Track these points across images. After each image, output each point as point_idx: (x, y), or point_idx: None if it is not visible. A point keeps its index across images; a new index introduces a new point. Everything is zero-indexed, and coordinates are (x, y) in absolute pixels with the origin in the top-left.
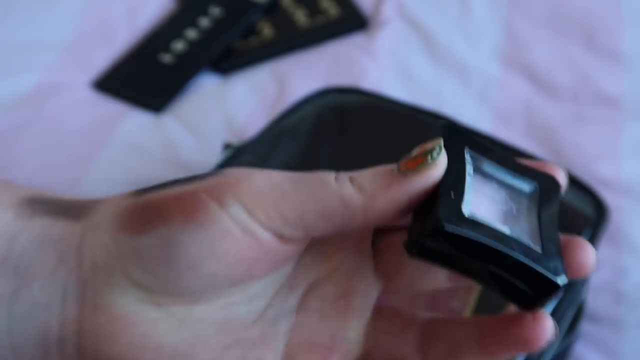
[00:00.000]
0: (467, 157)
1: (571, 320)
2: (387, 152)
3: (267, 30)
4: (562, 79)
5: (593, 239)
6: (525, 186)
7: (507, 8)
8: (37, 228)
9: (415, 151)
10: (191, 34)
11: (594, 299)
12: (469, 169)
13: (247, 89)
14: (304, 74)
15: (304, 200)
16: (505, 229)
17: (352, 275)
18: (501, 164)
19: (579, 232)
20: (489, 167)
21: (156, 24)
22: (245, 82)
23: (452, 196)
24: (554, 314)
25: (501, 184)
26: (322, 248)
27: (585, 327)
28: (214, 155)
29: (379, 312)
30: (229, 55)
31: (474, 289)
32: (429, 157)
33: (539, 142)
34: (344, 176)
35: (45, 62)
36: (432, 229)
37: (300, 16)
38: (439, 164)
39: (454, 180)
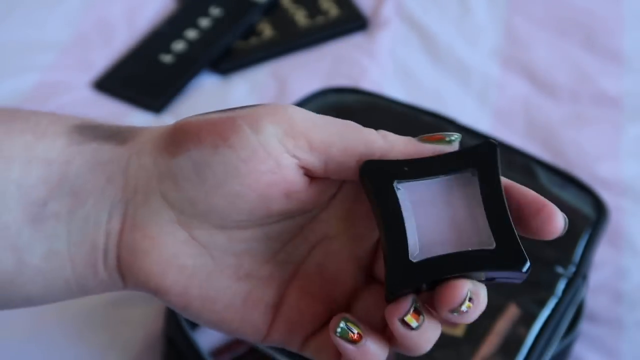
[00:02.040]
0: (397, 190)
1: (571, 320)
2: None
3: (267, 30)
4: (562, 79)
5: (593, 239)
6: (462, 180)
7: (507, 8)
8: (88, 152)
9: (437, 136)
10: (191, 34)
11: (594, 299)
12: (403, 203)
13: (247, 89)
14: (304, 74)
15: (332, 133)
16: (455, 246)
17: (357, 238)
18: (433, 174)
19: (579, 232)
20: (421, 187)
21: (156, 24)
22: (245, 82)
23: (397, 245)
24: (553, 314)
25: (438, 196)
26: (338, 208)
27: (585, 327)
28: None
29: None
30: (229, 55)
31: None
32: (448, 138)
33: (539, 142)
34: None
35: (45, 62)
36: (387, 298)
37: (300, 16)
38: (452, 146)
39: (394, 224)
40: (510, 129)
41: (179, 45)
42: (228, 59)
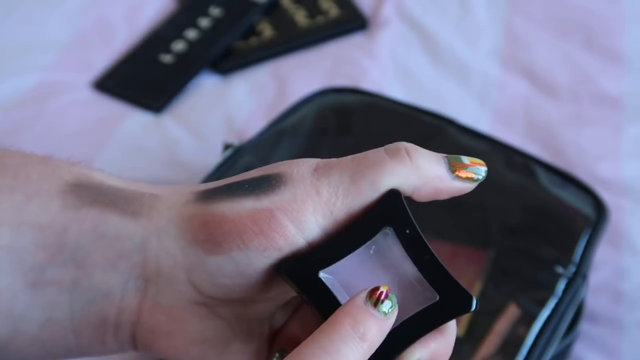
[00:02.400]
0: (325, 279)
1: (571, 320)
2: None
3: (267, 30)
4: (562, 79)
5: (593, 239)
6: (381, 242)
7: (507, 8)
8: (87, 221)
9: (466, 161)
10: (191, 34)
11: (594, 299)
12: (335, 289)
13: (247, 89)
14: (304, 74)
15: (365, 187)
16: (402, 313)
17: None
18: (351, 248)
19: (579, 232)
20: (345, 266)
21: (156, 24)
22: (245, 82)
23: None
24: (553, 314)
25: (365, 268)
26: None
27: (585, 327)
28: (214, 155)
29: None
30: (229, 55)
31: (474, 289)
32: (477, 177)
33: (539, 142)
34: (397, 153)
35: (45, 62)
36: None
37: (300, 16)
38: (477, 183)
39: (329, 305)
40: (510, 129)
41: (179, 45)
42: (228, 59)
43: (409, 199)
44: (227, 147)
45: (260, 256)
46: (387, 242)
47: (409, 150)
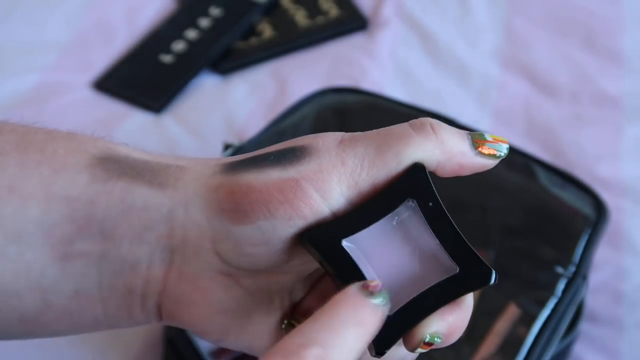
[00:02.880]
0: (347, 248)
1: (571, 320)
2: None
3: (267, 30)
4: (562, 79)
5: (593, 239)
6: (404, 213)
7: (507, 8)
8: (115, 193)
9: (489, 137)
10: (191, 34)
11: (594, 299)
12: (357, 258)
13: (247, 89)
14: (304, 74)
15: (388, 160)
16: (422, 283)
17: None
18: (374, 218)
19: (579, 232)
20: (368, 235)
21: (156, 24)
22: (245, 82)
23: None
24: (553, 314)
25: (388, 238)
26: None
27: (585, 327)
28: (214, 155)
29: None
30: (229, 55)
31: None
32: (500, 153)
33: (539, 142)
34: (422, 128)
35: (45, 62)
36: (376, 356)
37: (300, 16)
38: (498, 160)
39: (351, 273)
40: (510, 129)
41: (179, 45)
42: (228, 59)
43: (433, 174)
44: (227, 147)
45: (286, 225)
46: (410, 214)
47: (434, 126)
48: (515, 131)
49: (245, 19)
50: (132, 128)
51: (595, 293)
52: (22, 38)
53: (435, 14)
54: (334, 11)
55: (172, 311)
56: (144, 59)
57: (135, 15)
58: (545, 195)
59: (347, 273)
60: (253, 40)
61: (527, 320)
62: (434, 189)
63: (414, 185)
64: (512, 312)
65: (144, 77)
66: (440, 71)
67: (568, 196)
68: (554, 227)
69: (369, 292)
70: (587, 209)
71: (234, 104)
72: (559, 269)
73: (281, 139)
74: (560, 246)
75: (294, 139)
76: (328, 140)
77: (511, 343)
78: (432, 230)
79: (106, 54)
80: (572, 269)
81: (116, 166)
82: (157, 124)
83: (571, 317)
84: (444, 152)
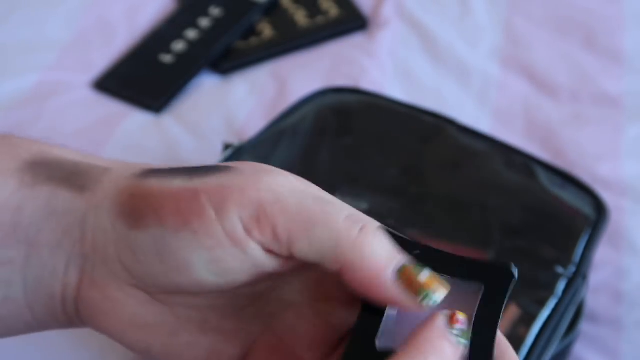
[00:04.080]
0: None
1: (571, 320)
2: (386, 152)
3: (267, 30)
4: (562, 79)
5: (593, 239)
6: (464, 288)
7: (507, 8)
8: (41, 198)
9: (423, 276)
10: (191, 34)
11: (594, 299)
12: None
13: (247, 89)
14: (304, 74)
15: (301, 227)
16: None
17: (328, 309)
18: (439, 269)
19: (579, 232)
20: None
21: (156, 24)
22: (245, 82)
23: (369, 326)
24: (553, 314)
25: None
26: (310, 277)
27: (585, 327)
28: (214, 155)
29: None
30: (229, 55)
31: None
32: (424, 299)
33: (539, 142)
34: (355, 225)
35: (45, 62)
36: None
37: (301, 16)
38: (425, 308)
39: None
40: (510, 129)
41: (179, 45)
42: (228, 59)
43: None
44: (227, 147)
45: (175, 237)
46: (468, 295)
47: (368, 227)
48: (515, 131)
49: (245, 19)
50: (132, 128)
51: (595, 293)
52: (22, 38)
53: (435, 13)
54: (333, 11)
55: (88, 318)
56: (144, 58)
57: (135, 15)
58: (545, 195)
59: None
60: (253, 40)
61: (527, 320)
62: (506, 301)
63: (495, 279)
64: (512, 312)
65: (144, 77)
66: (440, 71)
67: (568, 196)
68: (554, 227)
69: (453, 326)
70: (587, 208)
71: (234, 104)
72: (559, 269)
73: (281, 139)
74: (560, 246)
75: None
76: (258, 167)
77: (511, 343)
78: (474, 326)
79: (106, 53)
80: (572, 268)
81: (45, 170)
82: (157, 123)
83: (571, 317)
84: (354, 250)
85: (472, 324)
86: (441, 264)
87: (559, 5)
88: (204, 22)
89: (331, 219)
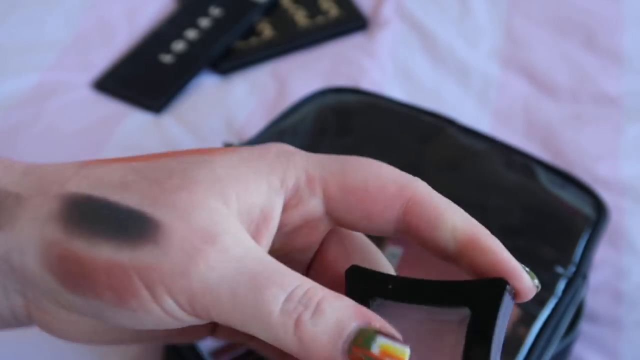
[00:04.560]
0: (373, 308)
1: (571, 320)
2: (386, 152)
3: (267, 30)
4: (562, 79)
5: (593, 239)
6: (449, 316)
7: (507, 8)
8: None
9: (376, 350)
10: (191, 34)
11: (594, 299)
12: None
13: (247, 89)
14: (304, 74)
15: (237, 321)
16: None
17: None
18: (419, 300)
19: (579, 232)
20: (400, 311)
21: (156, 24)
22: (245, 82)
23: None
24: (553, 314)
25: (415, 327)
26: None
27: (585, 327)
28: None
29: None
30: (229, 55)
31: None
32: None
33: (539, 142)
34: (290, 319)
35: (45, 62)
36: None
37: (300, 17)
38: None
39: None
40: (510, 129)
41: (179, 45)
42: (228, 59)
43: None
44: (227, 146)
45: (113, 310)
46: (454, 322)
47: (302, 318)
48: (515, 131)
49: (245, 19)
50: (132, 128)
51: (595, 293)
52: (21, 38)
53: (435, 13)
54: (333, 11)
55: (46, 331)
56: (144, 58)
57: (135, 15)
58: (545, 195)
59: None
60: (253, 40)
61: (527, 320)
62: (497, 320)
63: (483, 298)
64: (512, 312)
65: (144, 77)
66: (440, 71)
67: (568, 196)
68: (554, 227)
69: None
70: (587, 208)
71: (234, 103)
72: (559, 269)
73: (281, 139)
74: (560, 246)
75: (163, 191)
76: (193, 233)
77: (511, 343)
78: (464, 354)
79: (106, 53)
80: (572, 268)
81: None
82: (157, 123)
83: (571, 317)
84: (294, 347)
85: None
86: (419, 294)
87: (559, 5)
88: (204, 22)
89: (265, 313)
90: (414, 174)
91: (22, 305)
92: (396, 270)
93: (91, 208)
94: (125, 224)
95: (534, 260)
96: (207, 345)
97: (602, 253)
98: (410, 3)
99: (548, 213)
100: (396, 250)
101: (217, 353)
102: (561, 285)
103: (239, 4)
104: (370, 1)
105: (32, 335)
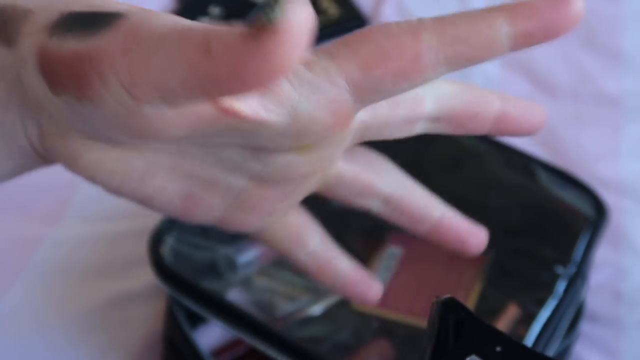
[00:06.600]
0: None
1: (571, 320)
2: (386, 152)
3: None
4: (562, 79)
5: (593, 239)
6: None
7: None
8: None
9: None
10: None
11: (594, 299)
12: None
13: None
14: None
15: (164, 71)
16: None
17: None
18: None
19: (579, 232)
20: None
21: None
22: None
23: None
24: (554, 314)
25: None
26: None
27: (585, 327)
28: None
29: None
30: None
31: (474, 289)
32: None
33: (539, 142)
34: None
35: None
36: None
37: None
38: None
39: None
40: None
41: None
42: None
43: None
44: None
45: (80, 104)
46: None
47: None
48: None
49: (245, 18)
50: None
51: (595, 293)
52: None
53: (435, 13)
54: (333, 11)
55: (59, 162)
56: None
57: None
58: (545, 195)
59: None
60: None
61: (527, 320)
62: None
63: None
64: (512, 312)
65: None
66: None
67: (568, 196)
68: (554, 226)
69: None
70: (587, 208)
71: None
72: (559, 269)
73: None
74: (560, 246)
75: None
76: (161, 20)
77: None
78: None
79: None
80: (572, 268)
81: None
82: None
83: (571, 317)
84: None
85: None
86: None
87: None
88: (204, 22)
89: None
90: (415, 174)
91: (37, 135)
92: (396, 270)
93: (77, 15)
94: (93, 19)
95: (534, 260)
96: (207, 345)
97: (602, 253)
98: (410, 3)
99: (548, 213)
100: (396, 250)
101: (217, 353)
102: (561, 285)
103: (239, 4)
104: (370, 1)
105: (32, 335)
